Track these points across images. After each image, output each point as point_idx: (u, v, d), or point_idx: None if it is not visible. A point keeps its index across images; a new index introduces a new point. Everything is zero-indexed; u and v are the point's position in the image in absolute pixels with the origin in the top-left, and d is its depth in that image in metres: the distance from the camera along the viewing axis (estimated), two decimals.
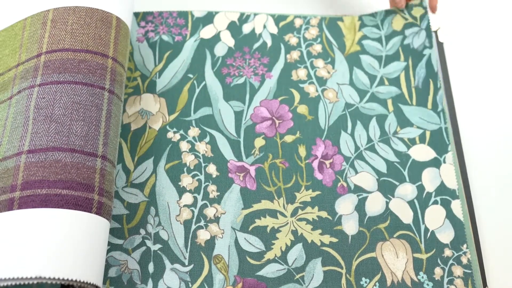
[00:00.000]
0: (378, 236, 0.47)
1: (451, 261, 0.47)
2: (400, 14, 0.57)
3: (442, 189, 0.49)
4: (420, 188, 0.49)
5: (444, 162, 0.50)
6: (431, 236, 0.47)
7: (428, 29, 0.55)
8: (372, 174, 0.50)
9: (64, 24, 0.45)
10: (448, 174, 0.50)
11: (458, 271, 0.46)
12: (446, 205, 0.49)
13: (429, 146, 0.51)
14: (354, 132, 0.52)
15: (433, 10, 0.57)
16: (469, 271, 0.46)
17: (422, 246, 0.47)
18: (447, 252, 0.47)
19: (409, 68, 0.55)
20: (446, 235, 0.47)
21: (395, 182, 0.50)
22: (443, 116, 0.52)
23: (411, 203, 0.49)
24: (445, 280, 0.46)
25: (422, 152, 0.51)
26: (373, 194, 0.49)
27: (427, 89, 0.53)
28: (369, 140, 0.51)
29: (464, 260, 0.47)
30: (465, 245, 0.47)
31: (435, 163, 0.50)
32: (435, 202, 0.49)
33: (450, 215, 0.48)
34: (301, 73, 0.55)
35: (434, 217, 0.48)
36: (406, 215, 0.48)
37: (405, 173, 0.50)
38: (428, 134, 0.52)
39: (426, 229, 0.48)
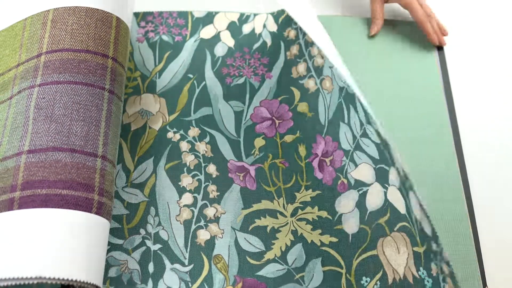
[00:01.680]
0: (379, 232, 0.47)
1: (439, 256, 0.42)
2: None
3: None
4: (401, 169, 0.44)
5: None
6: (421, 226, 0.44)
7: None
8: (370, 164, 0.49)
9: (64, 24, 0.45)
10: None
11: (445, 268, 0.41)
12: None
13: None
14: (350, 120, 0.51)
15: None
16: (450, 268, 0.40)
17: (418, 238, 0.46)
18: (434, 246, 0.42)
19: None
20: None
21: (386, 167, 0.48)
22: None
23: (400, 190, 0.47)
24: (440, 277, 0.45)
25: None
26: (372, 186, 0.48)
27: None
28: (361, 123, 0.50)
29: (446, 255, 0.40)
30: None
31: None
32: None
33: None
34: (300, 68, 0.55)
35: None
36: (401, 204, 0.47)
37: (388, 155, 0.46)
38: None
39: (416, 219, 0.45)
